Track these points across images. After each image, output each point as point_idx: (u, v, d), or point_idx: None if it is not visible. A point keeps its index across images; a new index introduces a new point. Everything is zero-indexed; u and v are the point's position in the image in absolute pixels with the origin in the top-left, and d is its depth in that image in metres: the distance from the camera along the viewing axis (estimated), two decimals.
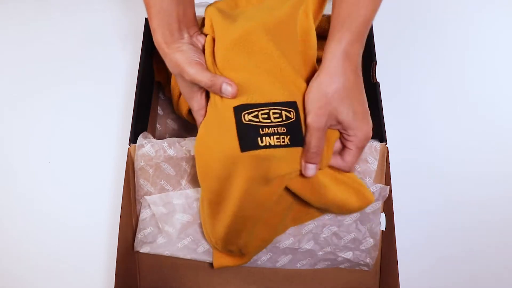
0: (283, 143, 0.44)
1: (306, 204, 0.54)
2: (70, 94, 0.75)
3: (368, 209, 0.57)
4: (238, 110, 0.45)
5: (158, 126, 0.71)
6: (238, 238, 0.53)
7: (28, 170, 0.69)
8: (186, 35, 0.49)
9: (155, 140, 0.56)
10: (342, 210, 0.53)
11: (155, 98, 0.70)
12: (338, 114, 0.45)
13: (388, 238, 0.57)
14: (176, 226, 0.57)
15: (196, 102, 0.50)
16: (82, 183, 0.69)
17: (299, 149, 0.45)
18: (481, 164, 0.69)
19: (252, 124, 0.44)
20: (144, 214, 0.58)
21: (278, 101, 0.45)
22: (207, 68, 0.48)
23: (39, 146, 0.71)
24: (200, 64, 0.47)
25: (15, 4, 0.83)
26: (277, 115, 0.45)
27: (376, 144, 0.56)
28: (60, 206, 0.67)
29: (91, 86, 0.76)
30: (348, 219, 0.58)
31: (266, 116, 0.45)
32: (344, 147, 0.49)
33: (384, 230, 0.59)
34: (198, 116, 0.51)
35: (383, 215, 0.58)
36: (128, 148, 0.57)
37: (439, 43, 0.79)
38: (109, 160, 0.70)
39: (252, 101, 0.45)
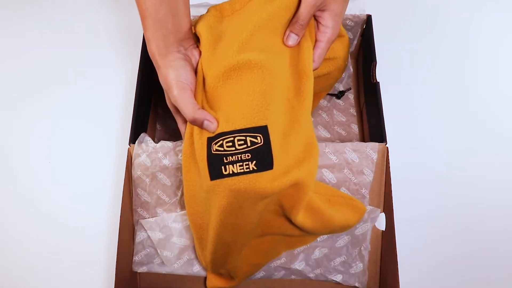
0: (247, 170, 0.44)
1: (300, 232, 0.54)
2: (70, 94, 0.75)
3: (358, 232, 0.58)
4: (210, 141, 0.45)
5: (158, 126, 0.71)
6: (224, 263, 0.53)
7: (28, 170, 0.69)
8: (181, 48, 0.49)
9: (151, 146, 0.56)
10: (345, 228, 0.55)
11: (155, 98, 0.70)
12: (331, 3, 0.50)
13: (388, 238, 0.57)
14: (174, 251, 0.58)
15: (181, 117, 0.51)
16: (82, 183, 0.69)
17: (268, 175, 0.44)
18: (481, 164, 0.69)
19: (218, 154, 0.44)
20: (140, 236, 0.58)
21: (244, 127, 0.45)
22: (196, 92, 0.48)
23: (39, 146, 0.71)
24: (188, 90, 0.47)
25: (15, 5, 0.83)
26: (242, 142, 0.44)
27: (373, 155, 0.56)
28: (60, 206, 0.67)
29: (91, 86, 0.76)
30: (340, 242, 0.58)
31: (230, 144, 0.44)
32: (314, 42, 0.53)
33: (384, 230, 0.59)
34: (183, 128, 0.51)
35: (383, 215, 0.58)
36: (128, 148, 0.57)
37: (440, 43, 0.79)
38: (109, 160, 0.70)
39: (220, 131, 0.45)
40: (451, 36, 0.79)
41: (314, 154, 0.49)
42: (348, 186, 0.57)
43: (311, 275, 0.58)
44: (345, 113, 0.71)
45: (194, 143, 0.47)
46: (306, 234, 0.55)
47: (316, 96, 0.70)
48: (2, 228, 0.66)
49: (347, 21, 0.68)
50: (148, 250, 0.59)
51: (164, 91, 0.50)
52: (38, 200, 0.67)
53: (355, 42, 0.72)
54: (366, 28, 0.68)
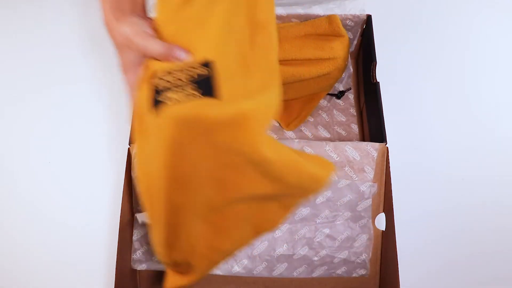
0: (191, 97, 0.41)
1: (264, 204, 0.49)
2: (70, 94, 0.75)
3: (359, 208, 0.58)
4: (155, 79, 0.43)
5: None
6: (177, 239, 0.48)
7: (28, 170, 0.69)
8: (136, 15, 0.49)
9: None
10: (314, 182, 0.48)
11: None
12: None
13: (388, 239, 0.57)
14: None
15: (132, 74, 0.49)
16: (82, 183, 0.68)
17: (213, 102, 0.41)
18: (481, 164, 0.69)
19: (162, 87, 0.42)
20: (137, 234, 0.58)
21: (192, 63, 0.43)
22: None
23: (39, 146, 0.70)
24: (152, 36, 0.47)
25: (15, 5, 0.83)
26: (188, 74, 0.42)
27: (373, 153, 0.56)
28: (60, 206, 0.67)
29: (91, 86, 0.76)
30: (339, 220, 0.58)
31: (175, 77, 0.42)
32: None
33: (384, 230, 0.59)
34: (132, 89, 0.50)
35: (383, 215, 0.58)
36: (128, 148, 0.57)
37: (440, 43, 0.79)
38: (109, 160, 0.70)
39: (168, 69, 0.43)
40: (451, 36, 0.79)
41: (271, 93, 0.46)
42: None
43: (316, 258, 0.58)
44: (345, 113, 0.71)
45: (141, 93, 0.45)
46: (278, 196, 0.49)
47: (316, 96, 0.70)
48: (2, 228, 0.66)
49: (347, 21, 0.68)
50: (146, 248, 0.58)
51: (120, 50, 0.49)
52: (38, 200, 0.67)
53: (355, 42, 0.72)
54: (366, 28, 0.68)
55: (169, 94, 0.41)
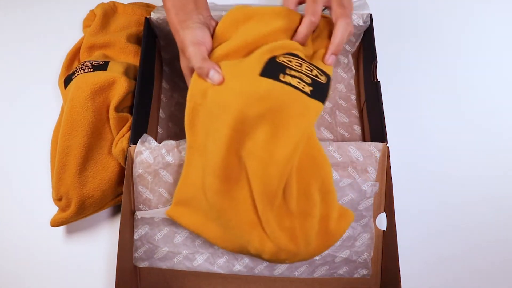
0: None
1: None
2: None
3: (361, 207, 0.57)
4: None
5: (159, 129, 0.71)
6: (64, 174, 0.58)
7: (28, 170, 0.69)
8: (200, 16, 0.51)
9: (153, 144, 0.56)
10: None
11: (157, 100, 0.70)
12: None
13: (389, 238, 0.57)
14: (173, 242, 0.58)
15: (188, 77, 0.52)
16: None
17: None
18: (482, 163, 0.69)
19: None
20: (138, 233, 0.59)
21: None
22: (210, 51, 0.50)
23: (39, 146, 0.70)
24: (202, 46, 0.49)
25: (15, 2, 0.83)
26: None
27: (376, 153, 0.56)
28: None
29: None
30: None
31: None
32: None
33: (384, 230, 0.59)
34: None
35: (383, 215, 0.58)
36: (129, 149, 0.57)
37: (441, 42, 0.79)
38: None
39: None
40: (452, 35, 0.79)
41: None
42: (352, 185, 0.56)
43: (317, 258, 0.58)
44: (347, 114, 0.71)
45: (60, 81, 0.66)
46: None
47: None
48: (2, 227, 0.66)
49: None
50: (148, 246, 0.59)
51: (180, 54, 0.52)
52: (38, 201, 0.67)
53: (357, 43, 0.72)
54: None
55: (75, 73, 0.62)
